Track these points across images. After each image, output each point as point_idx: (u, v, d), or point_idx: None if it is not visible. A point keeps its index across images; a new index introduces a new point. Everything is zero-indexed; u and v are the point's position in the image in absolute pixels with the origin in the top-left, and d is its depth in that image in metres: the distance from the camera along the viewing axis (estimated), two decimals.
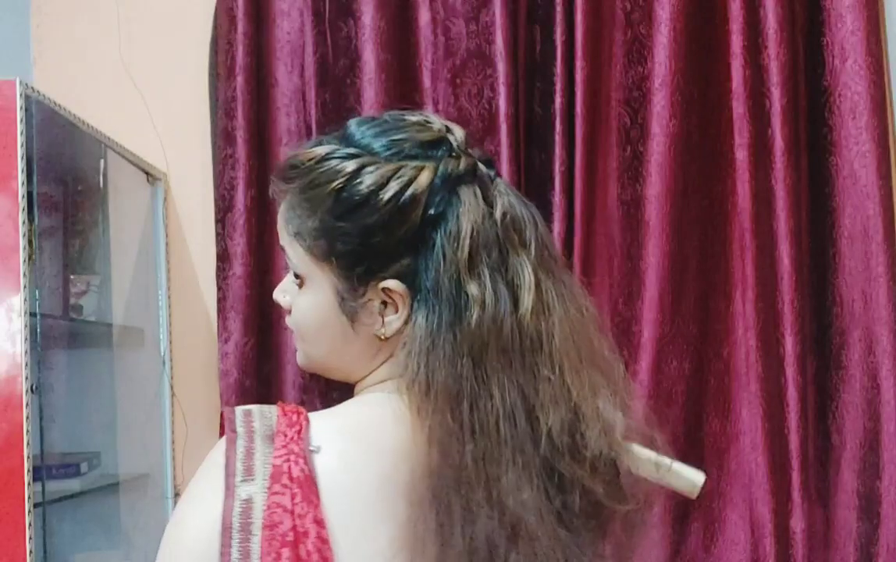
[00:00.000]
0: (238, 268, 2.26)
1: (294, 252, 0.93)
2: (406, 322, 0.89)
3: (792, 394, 2.06)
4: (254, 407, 0.88)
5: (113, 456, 2.29)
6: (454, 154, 0.91)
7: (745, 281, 2.13)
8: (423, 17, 2.28)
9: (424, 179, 0.88)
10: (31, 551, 1.69)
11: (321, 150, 0.91)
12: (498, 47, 2.18)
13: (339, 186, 0.88)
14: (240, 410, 0.88)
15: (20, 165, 1.76)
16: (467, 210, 0.88)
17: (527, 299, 0.89)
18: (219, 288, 2.28)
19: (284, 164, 0.94)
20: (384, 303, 0.90)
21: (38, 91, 1.88)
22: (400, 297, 0.89)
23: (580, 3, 2.15)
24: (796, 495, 2.05)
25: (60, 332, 2.17)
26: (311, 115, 2.28)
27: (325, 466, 0.84)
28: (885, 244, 2.06)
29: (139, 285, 2.38)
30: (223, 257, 2.27)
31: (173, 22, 2.46)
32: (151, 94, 2.44)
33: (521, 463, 0.85)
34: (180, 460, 2.38)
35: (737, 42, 2.13)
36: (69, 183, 2.27)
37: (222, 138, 2.29)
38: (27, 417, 1.72)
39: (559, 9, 2.17)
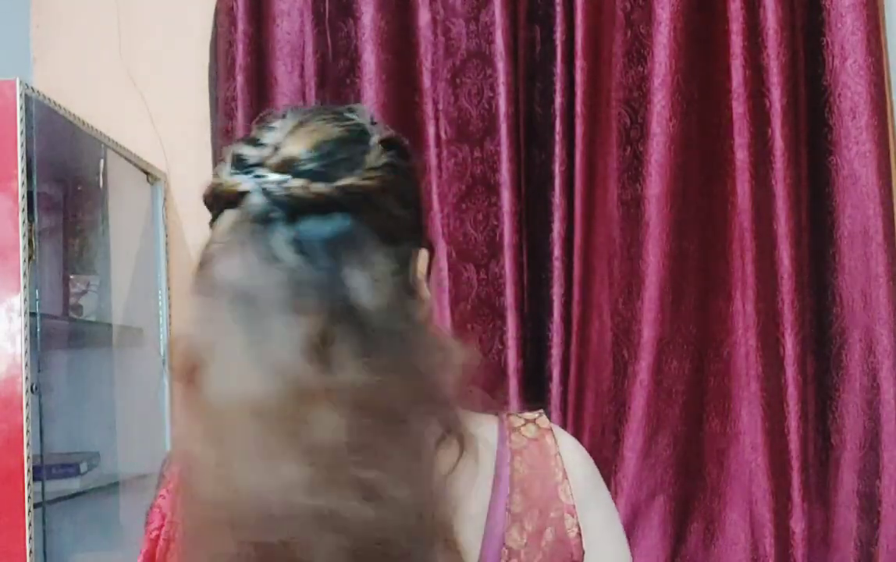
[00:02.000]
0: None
1: None
2: None
3: (792, 394, 2.06)
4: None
5: (113, 456, 2.29)
6: (239, 167, 0.83)
7: (745, 281, 2.13)
8: (423, 17, 2.28)
9: (206, 188, 0.88)
10: (31, 551, 1.70)
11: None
12: (498, 47, 2.18)
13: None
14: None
15: (20, 164, 1.76)
16: (212, 238, 0.86)
17: None
18: None
19: None
20: None
21: (38, 91, 1.88)
22: None
23: (580, 3, 2.14)
24: (796, 495, 2.05)
25: (60, 332, 2.17)
26: None
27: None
28: (885, 244, 2.06)
29: (139, 285, 2.38)
30: None
31: (173, 22, 2.46)
32: (151, 94, 2.44)
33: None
34: None
35: (737, 42, 2.13)
36: (69, 183, 2.27)
37: (222, 138, 2.29)
38: (27, 418, 1.72)
39: (559, 9, 2.17)
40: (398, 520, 0.72)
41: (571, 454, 0.86)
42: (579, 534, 0.83)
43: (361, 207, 0.78)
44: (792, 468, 2.05)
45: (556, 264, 2.14)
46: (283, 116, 0.83)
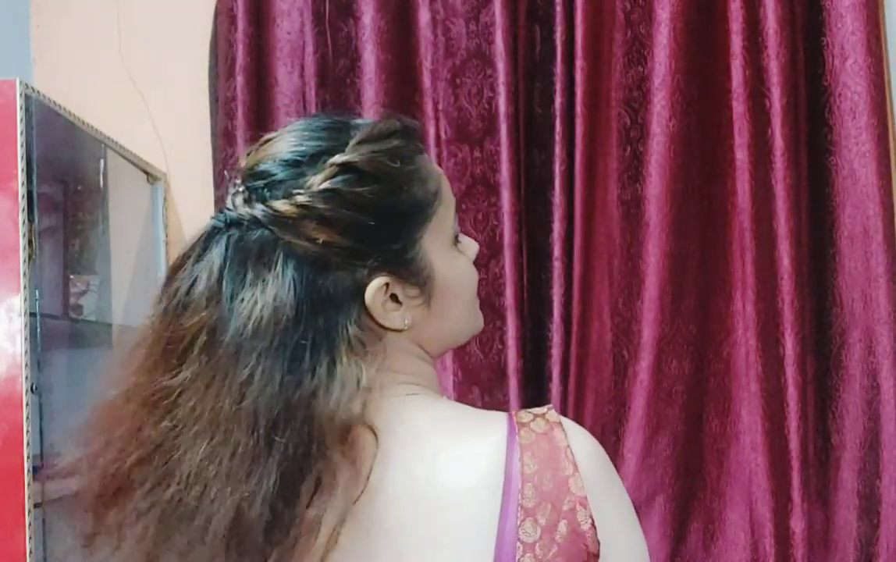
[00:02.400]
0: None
1: None
2: None
3: (792, 394, 2.06)
4: None
5: None
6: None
7: (745, 281, 2.13)
8: (423, 17, 2.28)
9: None
10: (30, 551, 1.69)
11: None
12: (498, 47, 2.18)
13: None
14: None
15: (20, 164, 1.76)
16: None
17: None
18: None
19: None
20: None
21: (38, 91, 1.88)
22: None
23: (580, 3, 2.14)
24: (796, 495, 2.05)
25: (60, 332, 2.17)
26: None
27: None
28: (885, 244, 2.06)
29: (139, 285, 2.38)
30: None
31: (173, 22, 2.46)
32: (151, 94, 2.44)
33: None
34: None
35: (737, 42, 2.13)
36: (69, 183, 2.27)
37: (222, 138, 2.29)
38: (27, 417, 1.72)
39: (559, 9, 2.17)
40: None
41: (582, 446, 0.86)
42: (593, 525, 0.82)
43: (282, 230, 0.85)
44: (792, 468, 2.05)
45: (556, 264, 2.14)
46: (288, 124, 0.93)
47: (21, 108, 1.78)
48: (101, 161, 2.19)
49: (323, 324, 0.85)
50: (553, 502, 0.83)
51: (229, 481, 0.81)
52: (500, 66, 2.18)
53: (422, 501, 0.83)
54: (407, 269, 0.89)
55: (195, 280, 0.87)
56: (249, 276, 0.85)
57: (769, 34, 2.10)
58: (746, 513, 2.13)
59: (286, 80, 2.32)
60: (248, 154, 0.91)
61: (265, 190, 0.87)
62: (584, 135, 2.14)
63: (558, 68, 2.16)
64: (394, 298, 0.89)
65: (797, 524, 2.05)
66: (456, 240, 0.95)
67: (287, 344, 0.83)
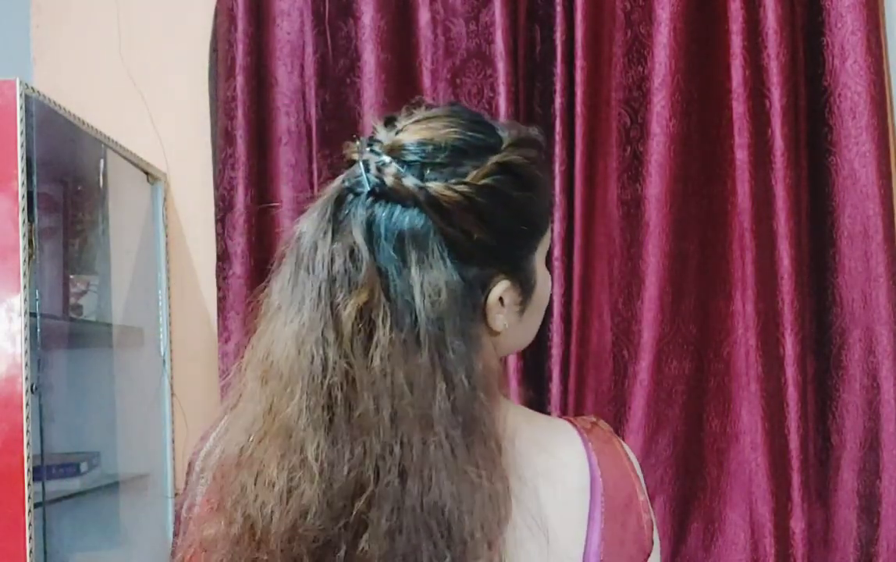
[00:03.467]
0: (238, 268, 2.26)
1: None
2: None
3: (792, 394, 2.06)
4: None
5: (113, 456, 2.29)
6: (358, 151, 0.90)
7: (745, 281, 2.13)
8: (423, 17, 2.27)
9: None
10: (31, 551, 1.69)
11: None
12: (498, 47, 2.18)
13: None
14: None
15: (20, 164, 1.76)
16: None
17: None
18: (219, 288, 2.28)
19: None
20: None
21: (38, 91, 1.88)
22: None
23: (580, 3, 2.14)
24: (796, 495, 2.05)
25: (60, 332, 2.17)
26: (311, 116, 2.28)
27: None
28: (885, 244, 2.06)
29: (139, 285, 2.38)
30: (223, 257, 2.27)
31: (173, 22, 2.46)
32: (151, 94, 2.44)
33: None
34: (180, 460, 2.38)
35: (737, 42, 2.13)
36: (69, 183, 2.27)
37: (222, 138, 2.29)
38: (27, 417, 1.72)
39: (559, 9, 2.17)
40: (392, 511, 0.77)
41: (633, 456, 0.93)
42: (652, 526, 0.91)
43: (439, 215, 0.82)
44: (792, 468, 2.05)
45: (556, 264, 2.14)
46: (427, 107, 0.89)
47: (21, 108, 1.78)
48: (101, 161, 2.19)
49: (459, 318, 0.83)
50: (625, 505, 0.88)
51: (453, 476, 0.79)
52: (500, 66, 2.18)
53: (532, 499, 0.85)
54: (522, 275, 0.89)
55: (335, 254, 0.82)
56: (413, 256, 0.81)
57: (769, 34, 2.10)
58: (746, 513, 2.13)
59: (286, 80, 2.32)
60: (394, 127, 0.87)
61: (424, 169, 0.83)
62: (584, 135, 2.14)
63: (558, 68, 2.16)
64: (501, 300, 0.88)
65: (797, 524, 2.05)
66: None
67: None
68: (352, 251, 0.82)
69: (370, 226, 0.82)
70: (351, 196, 0.84)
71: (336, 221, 0.83)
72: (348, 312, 0.80)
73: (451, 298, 0.81)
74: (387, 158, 0.83)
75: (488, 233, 0.84)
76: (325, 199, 0.86)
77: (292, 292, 0.84)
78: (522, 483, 0.83)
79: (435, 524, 0.77)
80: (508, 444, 0.84)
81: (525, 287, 0.90)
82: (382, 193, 0.83)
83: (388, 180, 0.82)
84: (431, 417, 0.79)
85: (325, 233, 0.83)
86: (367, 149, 0.85)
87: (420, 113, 0.88)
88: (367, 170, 0.83)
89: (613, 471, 0.89)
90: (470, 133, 0.87)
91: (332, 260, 0.82)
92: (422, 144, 0.84)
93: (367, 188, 0.83)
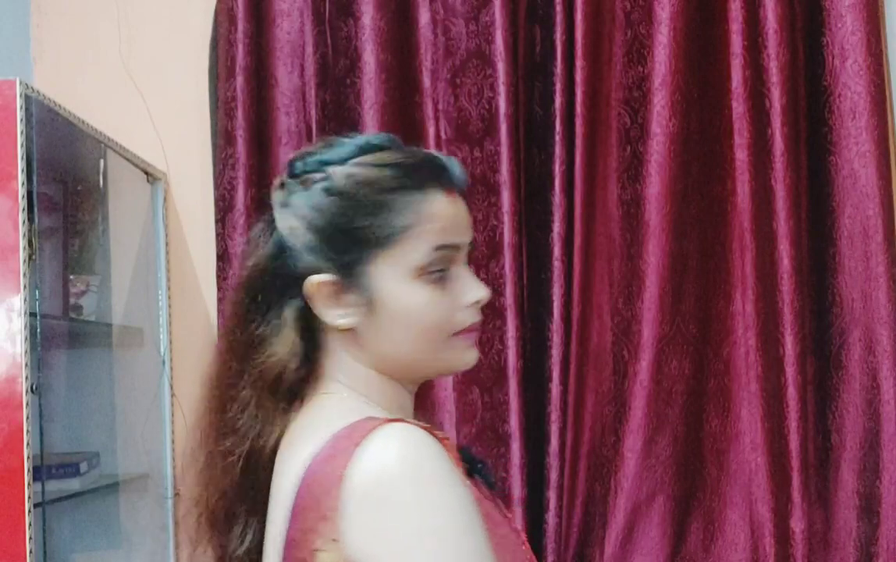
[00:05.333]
0: (238, 268, 2.26)
1: None
2: None
3: (792, 394, 2.06)
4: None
5: (113, 456, 2.28)
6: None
7: (745, 281, 2.13)
8: (423, 17, 2.27)
9: None
10: (31, 551, 1.69)
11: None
12: (498, 47, 2.18)
13: None
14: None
15: (20, 164, 1.76)
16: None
17: None
18: (219, 288, 2.28)
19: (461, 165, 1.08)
20: None
21: (38, 91, 1.88)
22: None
23: (580, 3, 2.14)
24: (796, 495, 2.05)
25: (60, 332, 2.17)
26: (311, 115, 2.28)
27: None
28: (885, 244, 2.06)
29: (139, 285, 2.38)
30: (223, 257, 2.27)
31: (173, 22, 2.46)
32: (151, 94, 2.44)
33: None
34: (180, 460, 2.38)
35: (737, 42, 2.13)
36: (69, 183, 2.26)
37: (222, 138, 2.29)
38: (27, 417, 1.71)
39: (559, 9, 2.17)
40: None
41: (363, 462, 0.91)
42: (334, 540, 0.91)
43: (273, 212, 1.08)
44: (792, 468, 2.05)
45: (556, 264, 2.14)
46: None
47: (21, 108, 1.78)
48: (101, 161, 2.19)
49: (277, 296, 1.03)
50: (313, 513, 0.89)
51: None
52: (500, 66, 2.18)
53: (274, 493, 0.98)
54: (350, 279, 1.00)
55: None
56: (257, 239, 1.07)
57: (769, 34, 2.10)
58: (746, 513, 2.13)
59: (286, 80, 2.32)
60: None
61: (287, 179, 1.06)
62: (584, 135, 2.14)
63: (558, 68, 2.16)
64: (334, 297, 1.01)
65: (797, 524, 2.05)
66: (423, 272, 1.01)
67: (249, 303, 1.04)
68: None
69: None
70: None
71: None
72: None
73: (253, 273, 1.06)
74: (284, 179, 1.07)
75: (305, 230, 1.02)
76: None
77: None
78: None
79: None
80: None
81: (357, 290, 1.00)
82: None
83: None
84: None
85: None
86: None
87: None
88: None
89: (323, 476, 0.93)
90: (316, 156, 1.04)
91: None
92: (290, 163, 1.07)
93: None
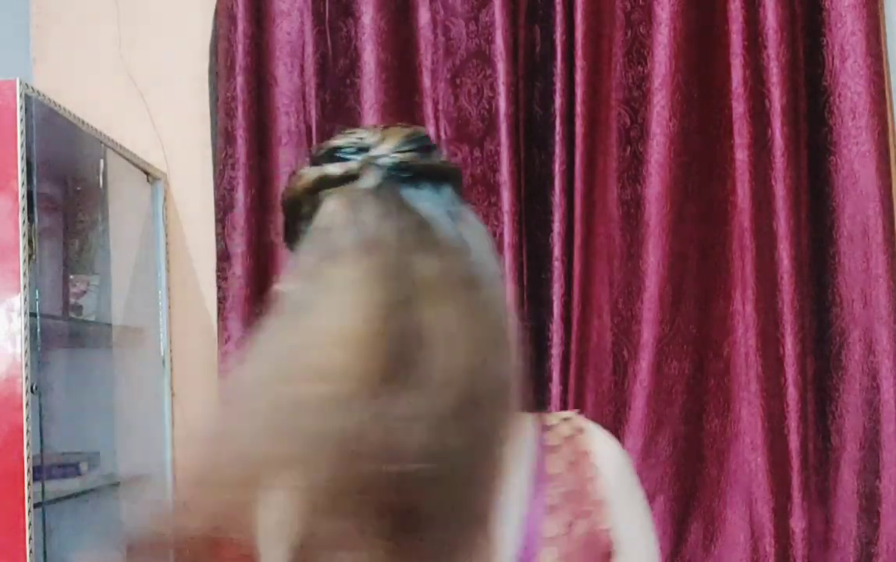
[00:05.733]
0: (238, 268, 2.26)
1: None
2: None
3: (792, 394, 2.06)
4: None
5: (113, 456, 2.28)
6: (339, 159, 0.91)
7: (745, 281, 2.13)
8: (423, 17, 2.27)
9: (302, 182, 0.91)
10: (30, 551, 1.70)
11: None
12: (498, 47, 2.18)
13: None
14: None
15: (20, 165, 1.76)
16: (322, 215, 0.89)
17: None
18: (219, 288, 2.28)
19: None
20: None
21: (38, 91, 1.88)
22: None
23: (580, 3, 2.14)
24: (796, 495, 2.05)
25: (60, 332, 2.17)
26: (311, 115, 2.28)
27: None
28: (885, 244, 2.06)
29: (139, 285, 2.38)
30: (223, 257, 2.27)
31: (173, 22, 2.46)
32: (151, 94, 2.44)
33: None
34: (180, 460, 2.38)
35: (737, 42, 2.13)
36: (69, 183, 2.27)
37: (222, 138, 2.29)
38: (27, 418, 1.72)
39: (559, 9, 2.17)
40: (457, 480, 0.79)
41: (604, 453, 0.93)
42: (609, 529, 0.89)
43: (451, 182, 0.92)
44: (792, 468, 2.05)
45: (556, 264, 2.14)
46: (359, 128, 0.96)
47: (21, 108, 1.78)
48: (101, 161, 2.19)
49: None
50: (575, 504, 0.89)
51: None
52: (500, 66, 2.18)
53: None
54: None
55: None
56: None
57: (769, 34, 2.10)
58: (746, 513, 2.13)
59: (286, 80, 2.32)
60: (356, 140, 0.94)
61: (419, 152, 0.94)
62: (584, 135, 2.14)
63: (558, 68, 2.16)
64: None
65: (797, 524, 2.05)
66: None
67: None
68: (422, 221, 0.91)
69: (427, 201, 0.91)
70: (386, 190, 0.91)
71: (388, 208, 0.90)
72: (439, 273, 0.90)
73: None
74: (395, 154, 0.92)
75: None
76: (351, 206, 0.91)
77: None
78: None
79: None
80: None
81: None
82: (420, 175, 0.91)
83: (418, 163, 0.92)
84: None
85: (382, 218, 0.91)
86: (358, 160, 0.92)
87: (367, 129, 0.96)
88: (384, 167, 0.90)
89: (566, 469, 0.93)
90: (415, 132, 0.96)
91: (404, 232, 0.91)
92: (407, 140, 0.92)
93: (408, 174, 0.91)
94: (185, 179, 2.44)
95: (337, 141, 0.92)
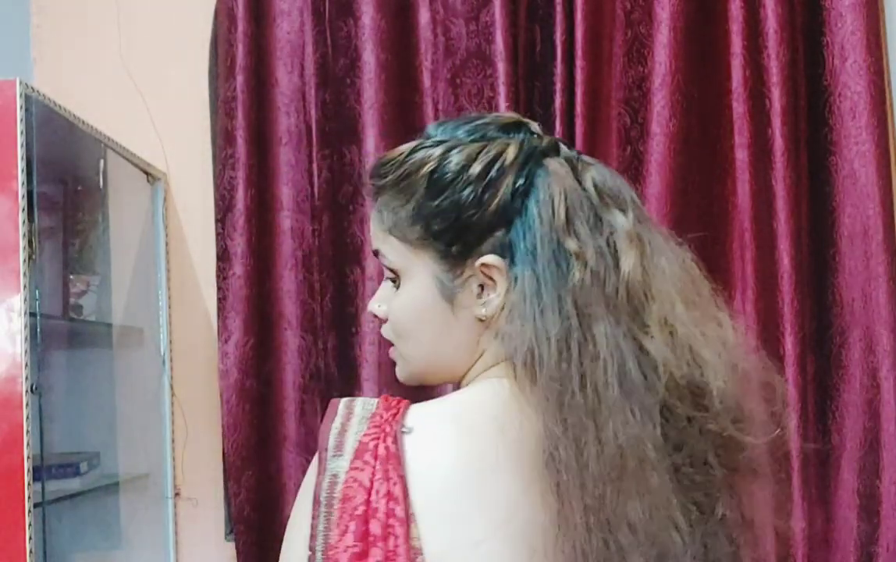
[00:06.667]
0: (238, 268, 2.26)
1: (390, 247, 0.96)
2: (506, 299, 0.91)
3: (792, 394, 2.06)
4: (360, 398, 0.90)
5: (113, 456, 2.29)
6: (535, 133, 0.98)
7: (745, 281, 2.13)
8: (423, 17, 2.27)
9: (511, 152, 0.92)
10: (31, 551, 1.69)
11: (408, 146, 0.96)
12: (498, 47, 2.18)
13: (431, 168, 0.92)
14: (345, 399, 0.90)
15: (20, 165, 1.76)
16: (556, 178, 0.92)
17: (628, 254, 0.91)
18: (219, 288, 2.28)
19: (376, 163, 0.98)
20: (482, 285, 0.92)
21: (38, 91, 1.88)
22: (498, 271, 0.91)
23: (580, 3, 2.14)
24: (796, 495, 2.05)
25: (60, 332, 2.17)
26: (311, 115, 2.28)
27: (416, 447, 0.85)
28: (885, 244, 2.06)
29: (139, 285, 2.38)
30: (223, 257, 2.27)
31: (173, 22, 2.46)
32: (151, 94, 2.44)
33: (638, 414, 0.85)
34: (180, 460, 2.38)
35: (737, 42, 2.13)
36: (69, 183, 2.27)
37: (222, 138, 2.29)
38: (27, 417, 1.72)
39: (559, 9, 2.17)
40: None
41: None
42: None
43: None
44: (792, 468, 2.05)
45: None
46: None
47: (21, 108, 1.78)
48: (101, 161, 2.19)
49: None
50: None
51: None
52: (500, 66, 2.18)
53: None
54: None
55: None
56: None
57: (769, 34, 2.10)
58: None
59: (286, 80, 2.32)
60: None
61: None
62: (584, 135, 2.14)
63: (558, 68, 2.16)
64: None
65: (797, 524, 2.04)
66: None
67: None
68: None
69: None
70: (570, 157, 1.01)
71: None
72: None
73: None
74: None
75: None
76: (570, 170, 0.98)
77: None
78: None
79: None
80: None
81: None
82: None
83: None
84: None
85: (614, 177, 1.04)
86: (536, 129, 1.02)
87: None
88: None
89: None
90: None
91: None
92: None
93: (578, 154, 1.02)
94: (185, 179, 2.44)
95: (505, 119, 0.99)
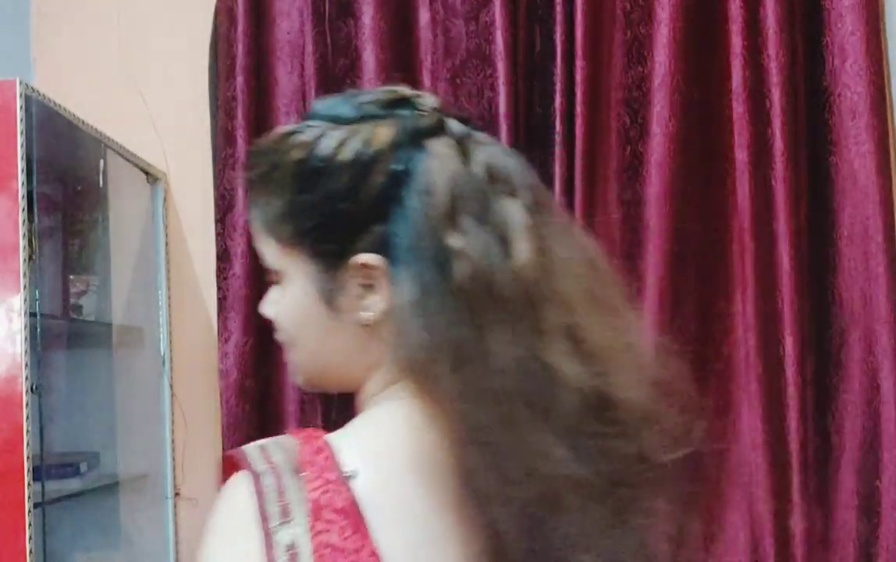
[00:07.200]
0: (238, 268, 2.26)
1: (267, 247, 0.85)
2: (390, 302, 0.80)
3: (792, 394, 2.06)
4: (265, 441, 0.78)
5: (113, 456, 2.28)
6: (420, 111, 0.84)
7: (745, 281, 2.13)
8: (423, 17, 2.28)
9: (383, 134, 0.80)
10: (30, 551, 1.70)
11: (281, 130, 0.85)
12: (498, 47, 2.18)
13: (300, 156, 0.81)
14: (252, 446, 0.78)
15: (20, 164, 1.76)
16: (439, 161, 0.80)
17: (520, 245, 0.79)
18: (219, 288, 2.28)
19: (248, 152, 0.89)
20: (364, 286, 0.81)
21: (38, 91, 1.88)
22: (379, 272, 0.79)
23: (580, 3, 2.15)
24: (796, 495, 2.05)
25: (60, 332, 2.17)
26: None
27: (366, 490, 0.75)
28: (885, 244, 2.06)
29: (139, 285, 2.38)
30: (223, 257, 2.27)
31: (173, 22, 2.46)
32: (151, 94, 2.44)
33: (546, 425, 0.75)
34: (180, 460, 2.38)
35: (737, 42, 2.13)
36: (69, 183, 2.27)
37: (222, 138, 2.29)
38: (27, 417, 1.72)
39: (559, 9, 2.17)
40: None
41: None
42: None
43: None
44: (792, 468, 2.05)
45: None
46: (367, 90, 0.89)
47: (21, 108, 1.78)
48: (101, 161, 2.19)
49: None
50: None
51: None
52: (500, 66, 2.18)
53: None
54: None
55: None
56: None
57: (769, 34, 2.10)
58: (746, 513, 2.13)
59: (286, 80, 2.32)
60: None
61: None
62: (584, 135, 2.14)
63: (558, 68, 2.16)
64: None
65: (797, 524, 2.05)
66: None
67: None
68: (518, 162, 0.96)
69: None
70: (459, 136, 0.88)
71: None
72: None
73: None
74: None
75: None
76: (456, 147, 0.85)
77: None
78: None
79: None
80: None
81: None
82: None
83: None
84: None
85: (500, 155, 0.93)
86: (427, 105, 0.87)
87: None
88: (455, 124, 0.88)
89: None
90: None
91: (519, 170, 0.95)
92: None
93: (470, 131, 0.90)
94: (185, 179, 2.44)
95: (388, 95, 0.85)
